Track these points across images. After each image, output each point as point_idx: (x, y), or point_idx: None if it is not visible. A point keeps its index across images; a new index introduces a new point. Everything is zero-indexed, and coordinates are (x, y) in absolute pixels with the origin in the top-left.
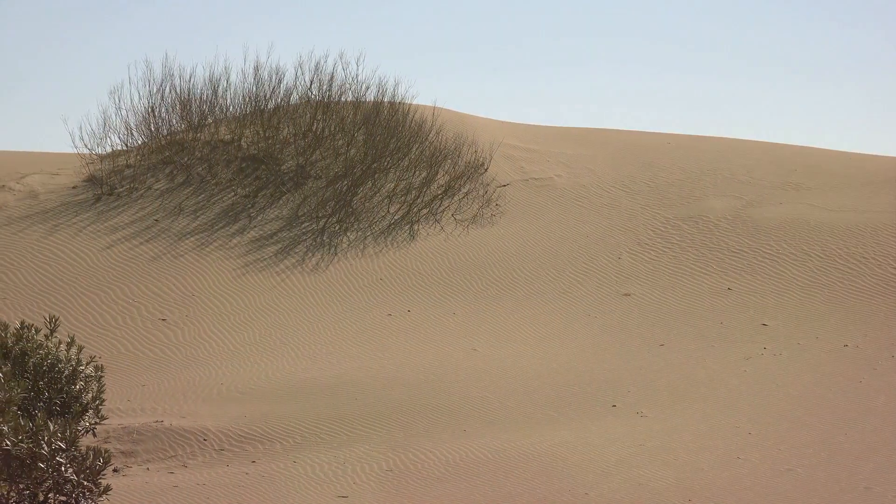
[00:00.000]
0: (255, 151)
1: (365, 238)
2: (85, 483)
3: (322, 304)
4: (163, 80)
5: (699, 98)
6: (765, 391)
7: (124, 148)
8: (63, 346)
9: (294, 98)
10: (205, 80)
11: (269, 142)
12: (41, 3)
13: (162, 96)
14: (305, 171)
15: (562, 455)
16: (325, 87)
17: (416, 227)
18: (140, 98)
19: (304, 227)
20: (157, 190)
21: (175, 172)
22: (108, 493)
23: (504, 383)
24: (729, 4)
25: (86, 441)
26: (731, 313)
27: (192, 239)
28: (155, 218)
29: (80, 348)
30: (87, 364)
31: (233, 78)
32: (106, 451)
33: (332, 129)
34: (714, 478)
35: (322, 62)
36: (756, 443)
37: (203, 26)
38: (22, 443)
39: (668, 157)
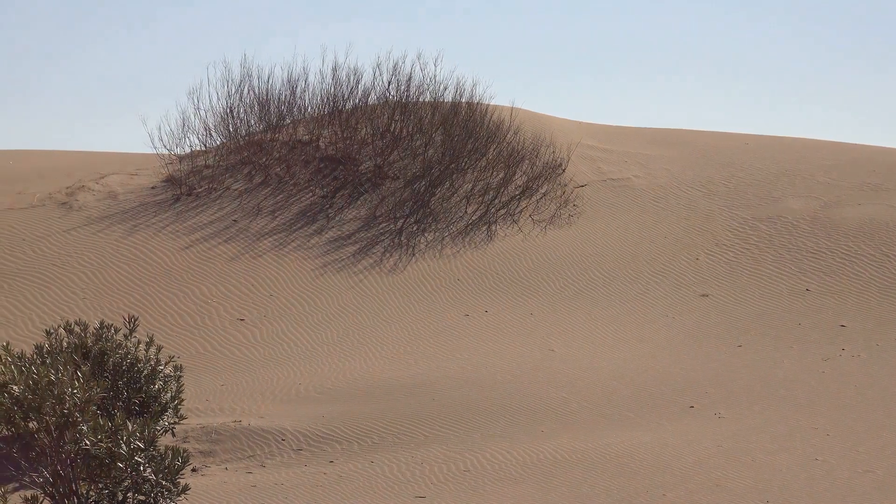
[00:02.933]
0: (334, 152)
1: (443, 238)
2: (163, 483)
3: (400, 304)
4: (241, 80)
5: (778, 98)
6: (843, 393)
7: (203, 148)
8: (142, 346)
9: (372, 98)
10: (283, 80)
11: (347, 142)
12: (120, 4)
13: (240, 97)
14: (383, 171)
15: (639, 456)
16: (402, 87)
17: (493, 228)
18: (218, 99)
19: (381, 228)
20: (235, 190)
21: (253, 173)
22: (187, 492)
23: (581, 384)
24: (809, 5)
25: (164, 441)
26: (809, 314)
27: (270, 239)
28: (233, 218)
29: (159, 348)
30: (166, 364)
31: (311, 78)
32: (185, 450)
33: (410, 129)
34: (792, 479)
35: (400, 63)
36: (834, 444)
37: (281, 27)
38: (101, 442)
39: (746, 157)
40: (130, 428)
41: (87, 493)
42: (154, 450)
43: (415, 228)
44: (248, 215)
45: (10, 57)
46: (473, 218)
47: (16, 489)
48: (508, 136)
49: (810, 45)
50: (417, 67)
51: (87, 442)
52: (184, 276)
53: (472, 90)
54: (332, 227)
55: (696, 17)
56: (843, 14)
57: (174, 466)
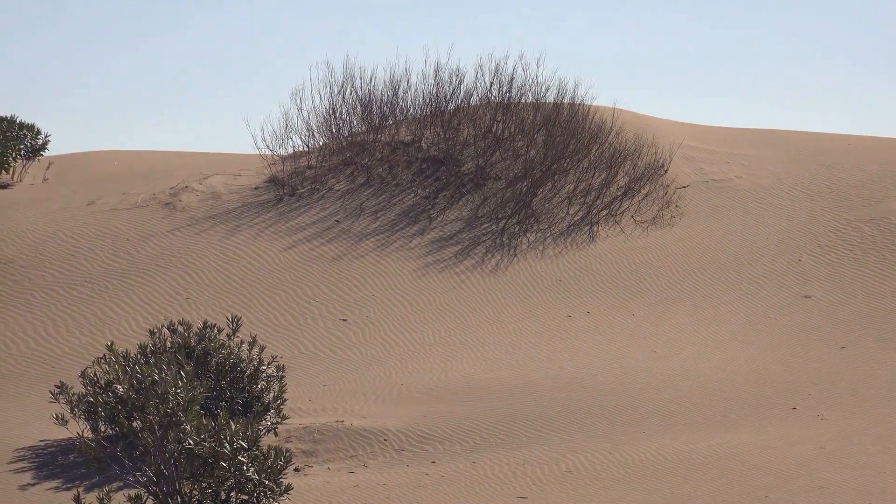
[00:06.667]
0: (436, 152)
1: (544, 239)
2: (266, 482)
3: (501, 304)
4: (344, 81)
5: (881, 99)
6: None
7: (305, 149)
8: (245, 346)
9: (474, 99)
10: (385, 81)
11: (449, 143)
12: (223, 7)
13: (343, 98)
14: (485, 172)
15: (741, 457)
16: (504, 88)
17: (595, 229)
18: (321, 100)
19: (483, 228)
20: (337, 191)
21: (356, 173)
22: (289, 492)
23: (683, 385)
24: None
25: (267, 440)
26: None
27: (372, 240)
28: (336, 219)
29: (262, 348)
30: (269, 364)
31: (413, 79)
32: (287, 450)
33: (512, 130)
34: (895, 482)
35: (502, 63)
36: None
37: (383, 28)
38: (204, 442)
39: (849, 158)
40: (233, 428)
41: (191, 492)
42: (257, 449)
43: (516, 229)
44: (350, 216)
45: (117, 57)
46: (575, 219)
47: (120, 488)
48: (610, 136)
49: None
50: (520, 68)
51: (191, 441)
52: (286, 276)
53: (574, 91)
54: (434, 227)
55: (795, 15)
56: None
57: (276, 466)
